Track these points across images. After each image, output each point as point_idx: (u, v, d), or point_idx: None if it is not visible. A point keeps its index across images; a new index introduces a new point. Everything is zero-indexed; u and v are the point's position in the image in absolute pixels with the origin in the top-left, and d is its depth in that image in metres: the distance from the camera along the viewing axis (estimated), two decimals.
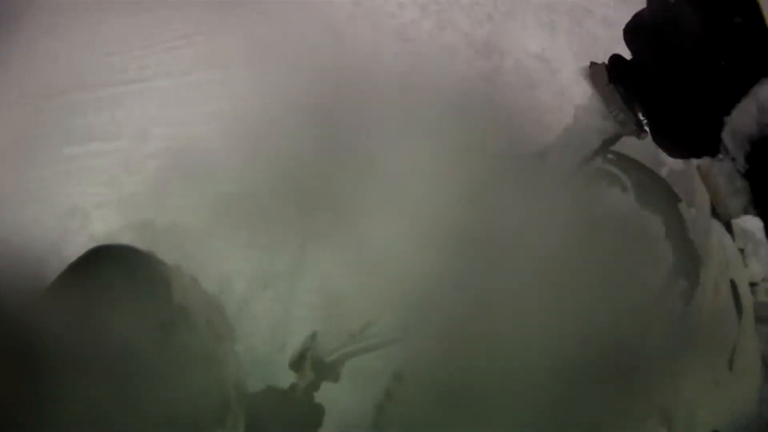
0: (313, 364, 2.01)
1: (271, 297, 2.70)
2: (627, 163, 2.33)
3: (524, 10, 4.61)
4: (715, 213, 2.75)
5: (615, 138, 1.50)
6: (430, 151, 2.98)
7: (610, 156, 2.35)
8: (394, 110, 3.24)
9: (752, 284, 4.07)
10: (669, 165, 2.43)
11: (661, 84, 1.02)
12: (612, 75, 1.26)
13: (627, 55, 1.17)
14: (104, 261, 1.59)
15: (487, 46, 4.03)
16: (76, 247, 2.36)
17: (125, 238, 2.72)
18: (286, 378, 2.24)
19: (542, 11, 4.66)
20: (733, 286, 2.38)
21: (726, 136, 0.92)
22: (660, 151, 1.17)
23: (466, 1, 4.57)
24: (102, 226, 2.89)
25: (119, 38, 3.72)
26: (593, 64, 1.38)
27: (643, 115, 1.27)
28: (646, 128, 1.30)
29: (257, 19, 3.86)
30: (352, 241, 2.71)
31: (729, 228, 3.57)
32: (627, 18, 1.08)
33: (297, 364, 2.03)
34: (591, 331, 2.03)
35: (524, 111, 3.58)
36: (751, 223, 3.60)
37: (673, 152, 1.12)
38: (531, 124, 3.46)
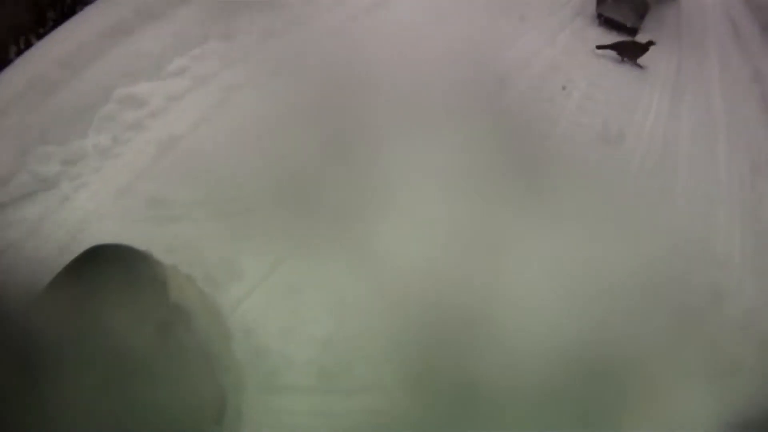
0: None
1: (273, 298, 2.70)
2: None
3: None
4: None
5: None
6: (435, 152, 2.98)
7: None
8: (399, 112, 3.25)
9: None
10: None
11: None
12: None
13: None
14: (102, 260, 1.60)
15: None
16: (75, 246, 2.38)
17: (126, 239, 2.73)
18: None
19: None
20: None
21: None
22: None
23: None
24: (104, 225, 2.90)
25: None
26: None
27: None
28: None
29: (264, 23, 3.88)
30: (355, 244, 2.71)
31: None
32: None
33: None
34: (597, 328, 2.03)
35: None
36: None
37: None
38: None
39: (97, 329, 1.45)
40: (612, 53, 4.71)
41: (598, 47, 4.71)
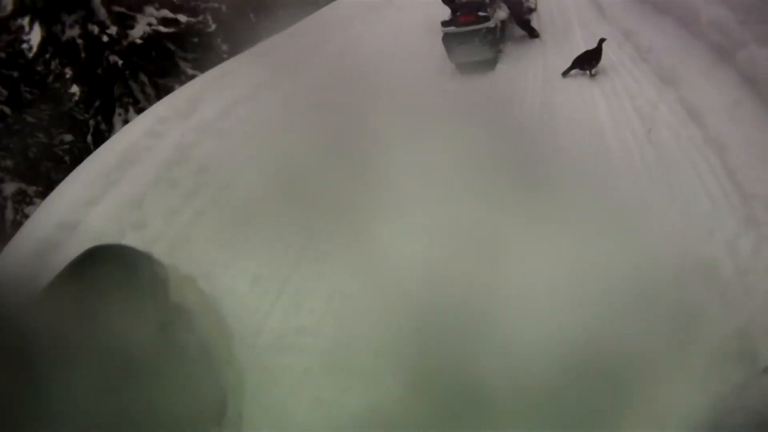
0: None
1: (276, 300, 2.71)
2: None
3: None
4: None
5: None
6: (435, 153, 2.99)
7: None
8: (400, 112, 3.25)
9: None
10: None
11: None
12: None
13: None
14: (102, 260, 1.60)
15: None
16: (74, 247, 2.37)
17: (129, 241, 2.74)
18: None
19: None
20: None
21: None
22: None
23: None
24: (104, 227, 2.90)
25: None
26: None
27: None
28: None
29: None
30: (355, 244, 2.72)
31: None
32: None
33: None
34: (595, 328, 2.03)
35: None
36: None
37: None
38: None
39: (97, 329, 1.45)
40: (577, 71, 4.73)
41: (564, 74, 4.73)
